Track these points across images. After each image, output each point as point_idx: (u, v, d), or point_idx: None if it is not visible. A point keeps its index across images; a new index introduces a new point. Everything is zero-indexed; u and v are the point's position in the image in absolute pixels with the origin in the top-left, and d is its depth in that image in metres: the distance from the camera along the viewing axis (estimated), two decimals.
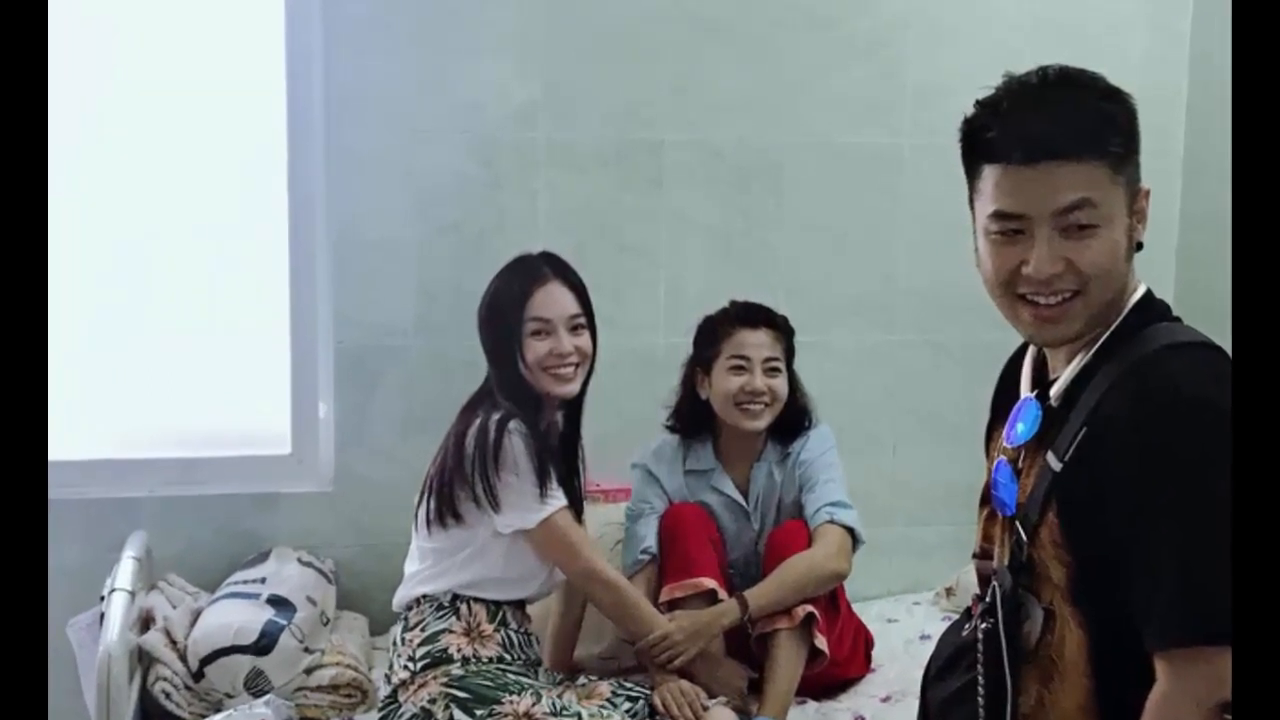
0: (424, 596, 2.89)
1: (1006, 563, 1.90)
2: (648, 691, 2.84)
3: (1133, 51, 3.86)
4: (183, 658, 2.96)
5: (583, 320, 2.94)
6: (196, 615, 3.07)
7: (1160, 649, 1.66)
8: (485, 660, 2.81)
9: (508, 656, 2.85)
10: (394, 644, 2.91)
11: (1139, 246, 1.84)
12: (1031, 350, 2.01)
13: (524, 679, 2.79)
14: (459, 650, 2.80)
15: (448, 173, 3.54)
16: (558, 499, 2.86)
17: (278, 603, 3.08)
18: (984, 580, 2.01)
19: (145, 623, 3.06)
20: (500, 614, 2.88)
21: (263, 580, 3.19)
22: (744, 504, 3.22)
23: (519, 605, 2.95)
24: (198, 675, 2.94)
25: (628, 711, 2.76)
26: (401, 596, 2.95)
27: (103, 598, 2.86)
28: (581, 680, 2.89)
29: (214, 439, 3.60)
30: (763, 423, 3.15)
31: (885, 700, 3.13)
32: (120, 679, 2.66)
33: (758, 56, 3.70)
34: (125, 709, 2.71)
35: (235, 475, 3.58)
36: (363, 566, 3.53)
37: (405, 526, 3.00)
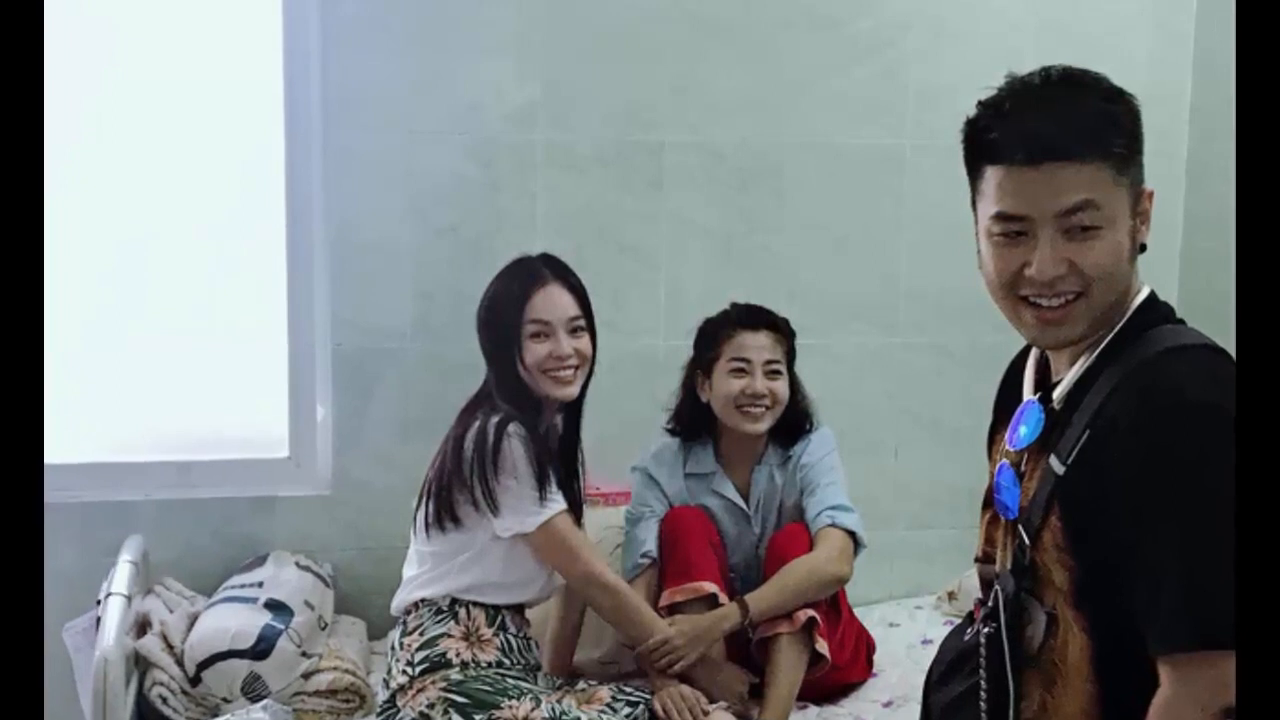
0: (422, 601, 2.88)
1: (1009, 566, 1.89)
2: (648, 696, 2.83)
3: (1136, 52, 3.85)
4: (179, 662, 2.96)
5: (582, 322, 2.94)
6: (193, 619, 3.07)
7: (1163, 653, 1.65)
8: (484, 665, 2.81)
9: (507, 661, 2.84)
10: (392, 648, 2.90)
11: (1142, 248, 1.84)
12: (1034, 353, 2.00)
13: (523, 684, 2.79)
14: (458, 655, 2.80)
15: (446, 174, 3.53)
16: (557, 502, 2.85)
17: (275, 607, 3.08)
18: (986, 584, 2.00)
19: (142, 627, 3.04)
20: (499, 618, 2.88)
21: (260, 584, 3.18)
22: (745, 507, 3.21)
23: (518, 609, 2.94)
24: (195, 680, 2.94)
25: (627, 716, 2.76)
26: (400, 601, 2.94)
27: (99, 602, 2.86)
28: (581, 685, 2.88)
29: (211, 442, 3.59)
30: (764, 425, 3.14)
31: (887, 705, 3.12)
32: (116, 684, 2.65)
33: (758, 57, 3.70)
34: (122, 714, 2.71)
35: (232, 479, 3.57)
36: (361, 570, 3.52)
37: (404, 530, 3.00)
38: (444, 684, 2.74)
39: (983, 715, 1.89)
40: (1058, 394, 1.87)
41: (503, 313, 2.90)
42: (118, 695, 2.66)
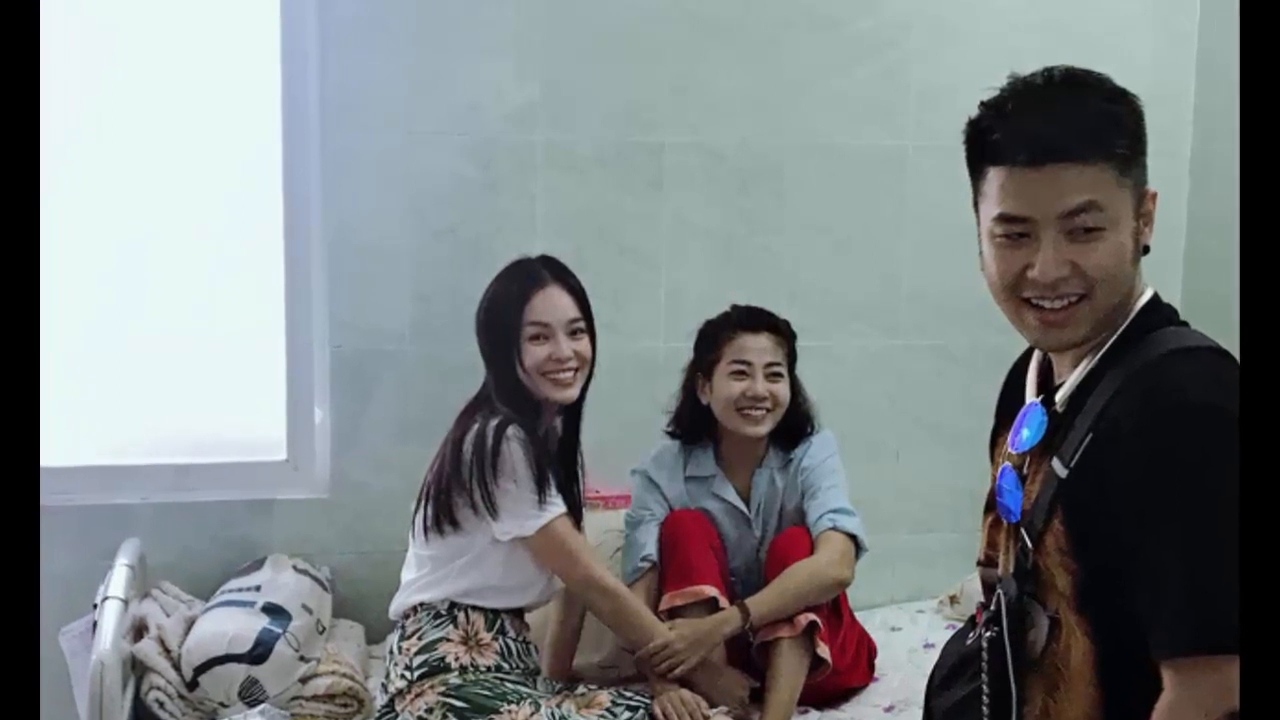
0: (421, 604, 2.88)
1: (1011, 570, 1.89)
2: (648, 701, 2.82)
3: (1139, 52, 3.84)
4: (176, 666, 2.95)
5: (582, 325, 2.93)
6: (190, 623, 3.05)
7: (1167, 658, 1.65)
8: (483, 669, 2.80)
9: (506, 665, 2.84)
10: (390, 652, 2.89)
11: (1146, 250, 1.84)
12: (1037, 355, 2.00)
13: (522, 688, 2.78)
14: (456, 659, 2.79)
15: (445, 175, 3.53)
16: (556, 506, 2.84)
17: (273, 611, 3.07)
18: (988, 588, 1.99)
19: (138, 631, 3.03)
20: (498, 622, 2.87)
21: (258, 588, 3.18)
22: (745, 511, 3.20)
23: (517, 613, 2.94)
24: (192, 684, 2.92)
25: None
26: (398, 604, 2.93)
27: (95, 606, 2.84)
28: (581, 689, 2.89)
29: (208, 445, 3.58)
30: (764, 428, 3.13)
31: (888, 710, 3.12)
32: (113, 688, 2.64)
33: (759, 57, 3.69)
34: (119, 718, 2.69)
35: (230, 482, 3.56)
36: (359, 574, 3.52)
37: (402, 534, 2.99)
38: (443, 688, 2.73)
39: None
40: (1060, 396, 1.86)
41: (502, 315, 2.89)
42: (114, 699, 2.65)
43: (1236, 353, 1.65)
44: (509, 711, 2.67)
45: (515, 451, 2.78)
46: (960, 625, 2.18)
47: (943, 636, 2.90)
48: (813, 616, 2.95)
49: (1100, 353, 1.83)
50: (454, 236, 3.54)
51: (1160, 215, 1.86)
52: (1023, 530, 1.86)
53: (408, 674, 2.79)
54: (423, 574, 2.89)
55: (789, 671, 2.94)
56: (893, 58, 3.77)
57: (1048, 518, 1.80)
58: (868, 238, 3.82)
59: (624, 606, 2.92)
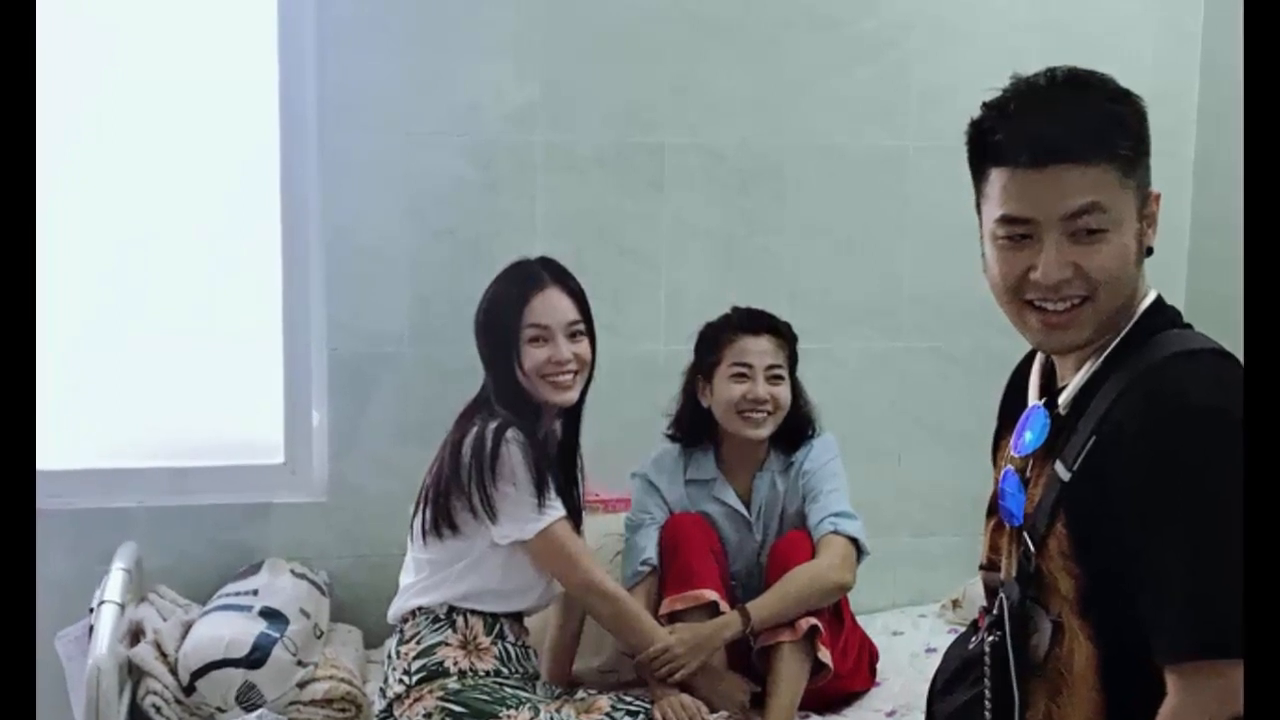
0: (419, 609, 2.87)
1: (1014, 574, 1.89)
2: (648, 705, 2.82)
3: (1143, 53, 3.84)
4: (173, 671, 2.94)
5: (581, 327, 2.92)
6: (187, 628, 3.05)
7: (1170, 662, 1.65)
8: (482, 674, 2.79)
9: (505, 670, 2.83)
10: (389, 657, 2.89)
11: (1149, 251, 1.83)
12: (1040, 357, 1.99)
13: (521, 693, 2.78)
14: (455, 664, 2.79)
15: (444, 176, 3.52)
16: (556, 509, 2.84)
17: (270, 615, 3.06)
18: (991, 592, 1.98)
19: (135, 635, 3.03)
20: (497, 626, 2.87)
21: (255, 592, 3.17)
22: (746, 514, 3.19)
23: (516, 617, 2.93)
24: (189, 689, 2.91)
25: None
26: (397, 609, 2.93)
27: (92, 610, 2.85)
28: (580, 694, 2.88)
29: (205, 448, 3.58)
30: (765, 431, 3.13)
31: (890, 715, 3.11)
32: (110, 693, 2.64)
33: (760, 57, 3.69)
34: None
35: (227, 485, 3.55)
36: (357, 578, 3.51)
37: (400, 537, 2.99)
38: (441, 693, 2.73)
39: None
40: (1063, 399, 1.86)
41: (501, 317, 2.89)
42: (111, 704, 2.64)
43: (1240, 355, 1.64)
44: (508, 716, 2.67)
45: (514, 454, 2.77)
46: (962, 629, 2.17)
47: (945, 641, 2.87)
48: (814, 621, 2.95)
49: (1103, 355, 1.82)
50: (453, 238, 3.53)
51: (1164, 216, 1.85)
52: (1025, 534, 1.85)
53: (406, 679, 2.78)
54: (421, 578, 2.89)
55: (790, 676, 2.93)
56: (894, 58, 3.77)
57: (1050, 521, 1.79)
58: (869, 239, 3.82)
59: (624, 611, 2.91)
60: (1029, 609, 1.84)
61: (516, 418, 2.83)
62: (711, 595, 2.99)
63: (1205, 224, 3.87)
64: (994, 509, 2.00)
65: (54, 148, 3.27)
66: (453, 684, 2.74)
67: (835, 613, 3.10)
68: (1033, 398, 1.95)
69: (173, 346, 3.53)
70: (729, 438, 3.18)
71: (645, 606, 3.01)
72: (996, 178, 1.80)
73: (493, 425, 2.79)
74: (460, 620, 2.84)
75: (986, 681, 1.88)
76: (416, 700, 2.74)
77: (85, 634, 2.83)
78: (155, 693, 2.90)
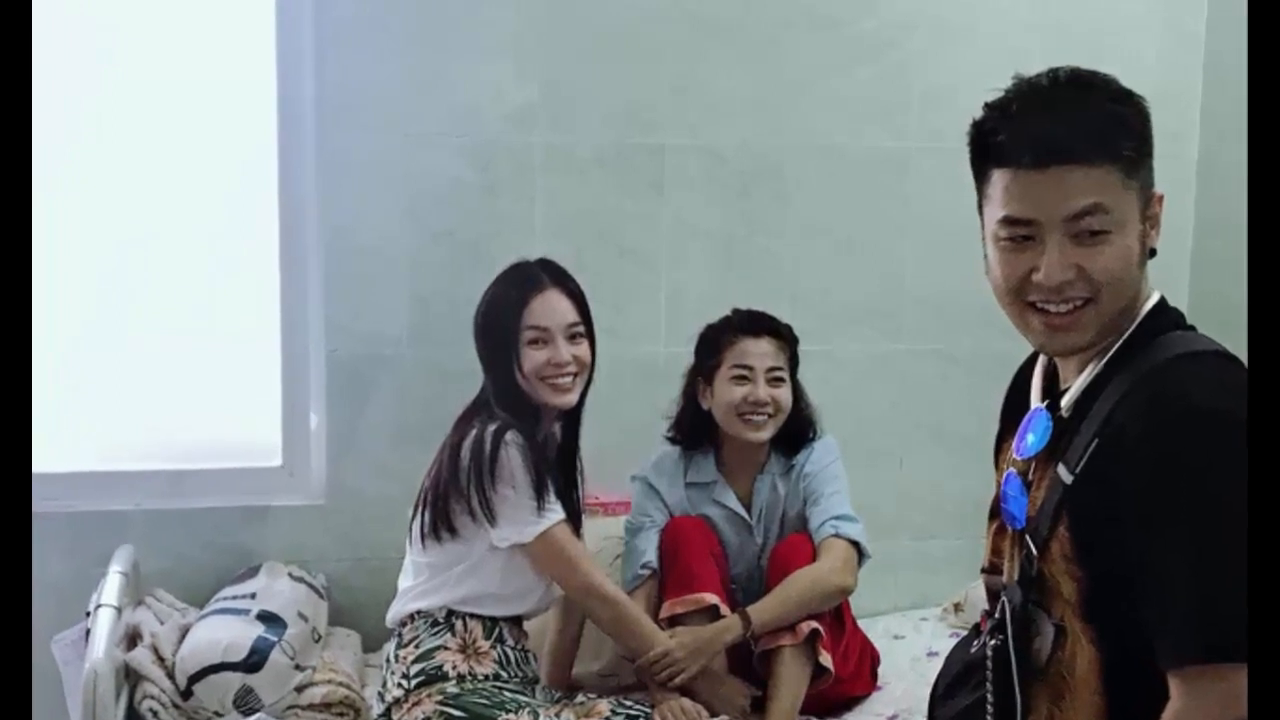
0: (418, 612, 2.87)
1: (1016, 578, 1.88)
2: (648, 710, 2.82)
3: (1146, 53, 3.83)
4: (170, 675, 2.93)
5: (581, 329, 2.92)
6: (185, 631, 3.04)
7: (1173, 666, 1.64)
8: (481, 678, 2.79)
9: (504, 674, 2.83)
10: (387, 661, 2.88)
11: (1152, 253, 1.83)
12: (1042, 359, 1.99)
13: (521, 697, 2.77)
14: (454, 668, 2.78)
15: (442, 177, 3.51)
16: (555, 512, 2.83)
17: (268, 619, 3.05)
18: (993, 595, 1.98)
19: (132, 639, 3.02)
20: (497, 630, 2.87)
21: (253, 596, 3.17)
22: (747, 517, 3.18)
23: (516, 621, 2.93)
24: (186, 693, 2.91)
25: None
26: (395, 612, 2.93)
27: (88, 613, 2.84)
28: (580, 698, 2.86)
29: (203, 451, 3.57)
30: (766, 434, 3.12)
31: (892, 719, 3.10)
32: (106, 697, 2.63)
33: (760, 58, 3.68)
34: None
35: (224, 488, 3.55)
36: (355, 581, 3.50)
37: (399, 540, 2.98)
38: (440, 697, 2.73)
39: None
40: (1066, 401, 1.85)
41: (500, 319, 2.88)
42: (107, 708, 2.64)
43: (1244, 357, 1.64)
44: None
45: (514, 457, 2.77)
46: (964, 633, 2.17)
47: (946, 644, 2.88)
48: (815, 624, 2.94)
49: (1106, 357, 1.82)
50: (452, 239, 3.52)
51: (1167, 217, 1.84)
52: (1028, 537, 1.84)
53: (405, 682, 2.78)
54: (420, 581, 2.89)
55: (791, 680, 2.93)
56: (894, 58, 3.76)
57: (1053, 524, 1.79)
58: (870, 240, 3.81)
59: (624, 614, 2.91)
60: (1031, 612, 1.83)
61: (516, 420, 2.82)
62: (712, 599, 2.98)
63: (1208, 225, 3.86)
64: (996, 512, 2.00)
65: (53, 148, 3.27)
66: (451, 688, 2.74)
67: (836, 616, 3.10)
68: (1035, 400, 1.95)
69: (170, 348, 3.52)
70: (729, 440, 3.17)
71: (645, 610, 3.01)
72: (998, 179, 1.80)
73: (492, 428, 2.79)
74: (459, 624, 2.83)
75: (988, 685, 1.87)
76: (415, 704, 2.74)
77: (82, 638, 2.82)
78: (152, 697, 2.89)
